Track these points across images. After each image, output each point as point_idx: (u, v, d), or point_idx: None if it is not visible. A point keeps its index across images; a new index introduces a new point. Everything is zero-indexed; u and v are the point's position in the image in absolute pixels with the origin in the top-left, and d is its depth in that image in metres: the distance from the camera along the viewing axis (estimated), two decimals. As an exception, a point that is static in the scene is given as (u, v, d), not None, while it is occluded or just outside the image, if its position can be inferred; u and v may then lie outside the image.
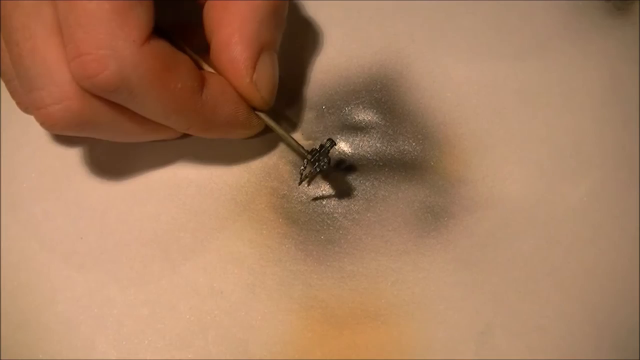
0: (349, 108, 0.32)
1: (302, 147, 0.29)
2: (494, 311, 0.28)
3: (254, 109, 0.29)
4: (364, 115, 0.31)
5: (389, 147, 0.31)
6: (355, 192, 0.30)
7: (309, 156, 0.29)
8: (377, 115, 0.31)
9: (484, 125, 0.31)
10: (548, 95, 0.31)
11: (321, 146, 0.29)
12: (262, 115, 0.29)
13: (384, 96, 0.32)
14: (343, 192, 0.30)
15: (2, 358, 0.28)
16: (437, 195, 0.30)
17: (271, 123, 0.29)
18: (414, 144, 0.31)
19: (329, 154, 0.29)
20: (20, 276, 0.30)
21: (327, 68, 0.32)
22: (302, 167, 0.29)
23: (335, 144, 0.29)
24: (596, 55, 0.31)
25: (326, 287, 0.29)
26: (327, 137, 0.29)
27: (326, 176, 0.30)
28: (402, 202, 0.30)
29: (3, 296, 0.29)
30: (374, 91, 0.32)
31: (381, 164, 0.31)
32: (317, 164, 0.29)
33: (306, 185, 0.30)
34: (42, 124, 0.26)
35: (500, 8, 0.33)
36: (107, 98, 0.26)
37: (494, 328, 0.28)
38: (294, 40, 0.33)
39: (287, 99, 0.32)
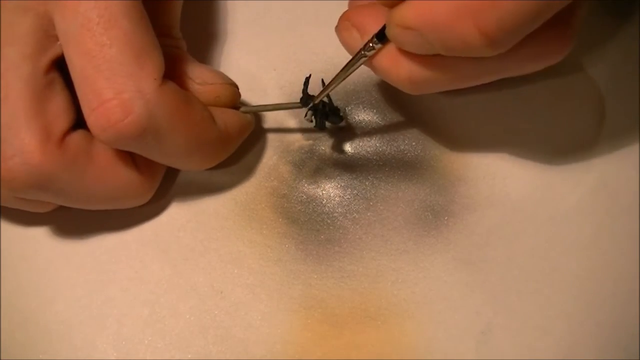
0: (349, 108, 0.32)
1: (293, 103, 0.30)
2: (494, 311, 0.28)
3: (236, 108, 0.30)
4: (364, 115, 0.31)
5: (389, 147, 0.31)
6: (355, 192, 0.30)
7: (303, 102, 0.29)
8: (377, 115, 0.31)
9: (484, 124, 0.31)
10: (548, 94, 0.31)
11: (303, 91, 0.29)
12: (243, 108, 0.30)
13: (384, 96, 0.32)
14: (343, 191, 0.30)
15: (2, 358, 0.28)
16: (437, 194, 0.30)
17: (254, 108, 0.31)
18: (413, 143, 0.31)
19: (307, 89, 0.29)
20: (20, 276, 0.30)
21: (327, 68, 0.32)
22: (308, 117, 0.30)
23: (308, 78, 0.29)
24: (596, 54, 0.31)
25: (326, 287, 0.29)
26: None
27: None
28: (402, 202, 0.30)
29: (3, 296, 0.29)
30: (374, 91, 0.32)
31: (381, 163, 0.31)
32: (315, 105, 0.29)
33: (323, 125, 0.30)
34: (1, 180, 0.25)
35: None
36: (128, 148, 0.26)
37: (494, 328, 0.28)
38: (294, 40, 0.33)
39: (287, 99, 0.32)
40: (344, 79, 0.28)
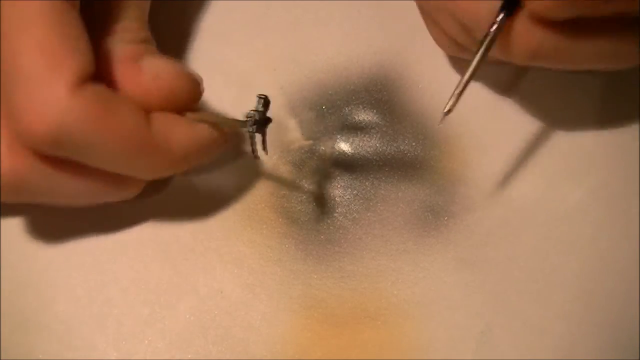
0: (349, 108, 0.32)
1: (238, 120, 0.27)
2: (494, 311, 0.28)
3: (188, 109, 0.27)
4: (364, 115, 0.32)
5: (389, 147, 0.31)
6: (355, 192, 0.30)
7: (250, 127, 0.27)
8: (377, 115, 0.31)
9: (483, 124, 0.31)
10: (548, 94, 0.31)
11: (262, 105, 0.26)
12: (190, 114, 0.27)
13: (384, 96, 0.32)
14: (343, 191, 0.30)
15: (2, 358, 0.28)
16: (437, 194, 0.30)
17: (199, 115, 0.27)
18: (414, 143, 0.31)
19: (267, 111, 0.27)
20: (20, 276, 0.30)
21: (327, 68, 0.32)
22: (250, 140, 0.27)
23: (267, 101, 0.26)
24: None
25: (326, 287, 0.29)
26: (259, 96, 0.27)
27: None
28: (402, 202, 0.30)
29: (3, 296, 0.29)
30: (374, 91, 0.32)
31: (381, 163, 0.31)
32: (259, 127, 0.27)
33: (264, 154, 0.28)
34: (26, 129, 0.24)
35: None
36: (57, 154, 0.24)
37: (494, 328, 0.28)
38: (294, 40, 0.33)
39: (287, 99, 0.32)
40: (474, 75, 0.25)
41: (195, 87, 0.27)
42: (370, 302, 0.29)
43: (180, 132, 0.26)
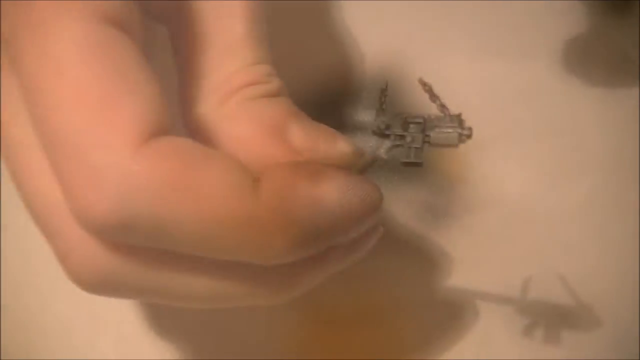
0: (349, 108, 0.32)
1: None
2: (494, 311, 0.28)
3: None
4: (364, 116, 0.31)
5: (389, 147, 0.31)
6: (355, 192, 0.30)
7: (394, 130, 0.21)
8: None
9: (484, 125, 0.31)
10: (548, 95, 0.31)
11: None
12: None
13: (384, 96, 0.32)
14: (343, 192, 0.30)
15: (2, 358, 0.28)
16: (437, 195, 0.30)
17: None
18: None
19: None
20: (20, 276, 0.30)
21: (327, 68, 0.32)
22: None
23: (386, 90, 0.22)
24: (596, 54, 0.32)
25: (326, 287, 0.29)
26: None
27: None
28: (402, 202, 0.30)
29: (3, 296, 0.29)
30: (374, 91, 0.32)
31: (381, 163, 0.31)
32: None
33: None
34: (70, 278, 0.19)
35: (501, 8, 0.33)
36: (131, 241, 0.18)
37: (494, 328, 0.28)
38: (294, 40, 0.33)
39: (287, 99, 0.32)
40: None
41: (354, 161, 0.21)
42: (370, 302, 0.29)
43: (305, 196, 0.18)
